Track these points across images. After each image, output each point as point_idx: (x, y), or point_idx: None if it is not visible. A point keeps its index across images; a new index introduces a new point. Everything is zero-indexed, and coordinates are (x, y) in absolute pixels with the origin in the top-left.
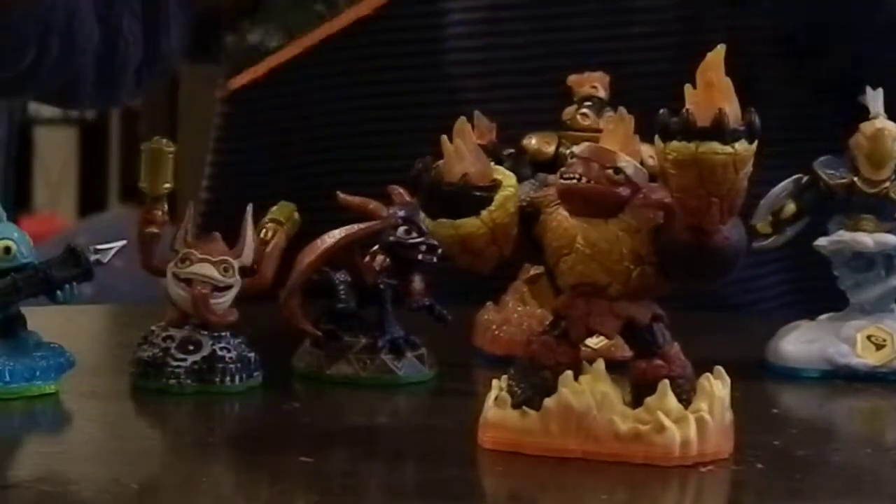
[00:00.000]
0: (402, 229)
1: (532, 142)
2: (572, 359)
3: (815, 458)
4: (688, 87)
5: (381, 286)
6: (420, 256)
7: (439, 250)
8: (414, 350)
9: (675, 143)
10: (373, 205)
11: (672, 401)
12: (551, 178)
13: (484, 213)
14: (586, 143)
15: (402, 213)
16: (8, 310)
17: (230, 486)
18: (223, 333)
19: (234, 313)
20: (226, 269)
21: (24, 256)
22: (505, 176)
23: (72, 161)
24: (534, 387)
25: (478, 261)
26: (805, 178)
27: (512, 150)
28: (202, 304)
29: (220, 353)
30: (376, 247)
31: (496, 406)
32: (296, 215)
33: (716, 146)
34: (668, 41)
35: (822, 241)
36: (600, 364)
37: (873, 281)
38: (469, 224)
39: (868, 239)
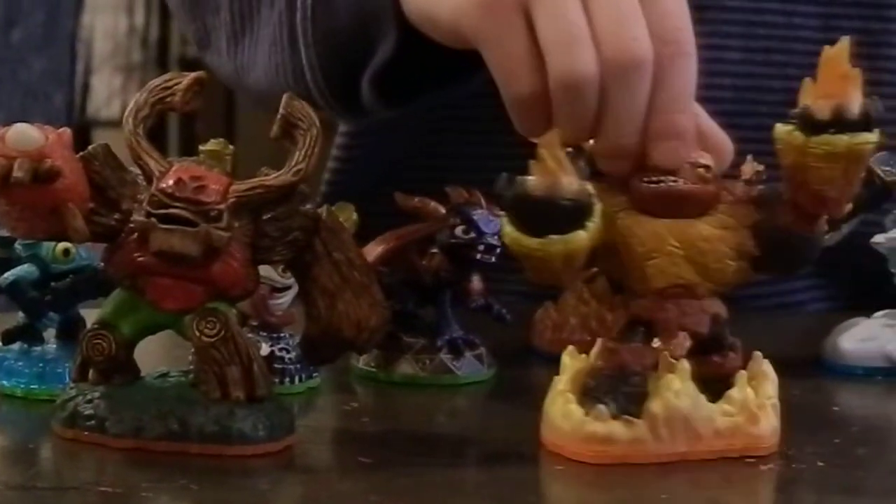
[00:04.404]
0: (460, 229)
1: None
2: (657, 362)
3: (874, 455)
4: (809, 81)
5: (440, 286)
6: (478, 256)
7: (497, 250)
8: (473, 350)
9: (826, 137)
10: (431, 205)
11: (751, 392)
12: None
13: (590, 224)
14: None
15: (460, 213)
16: (67, 312)
17: (290, 486)
18: (282, 334)
19: (294, 315)
20: (284, 270)
21: (83, 258)
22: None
23: (130, 163)
24: (626, 395)
25: (568, 275)
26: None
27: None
28: (261, 305)
29: (279, 353)
30: (435, 247)
31: (596, 419)
32: (354, 216)
33: (868, 136)
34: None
35: (879, 239)
36: (685, 364)
37: None
38: (578, 238)
39: None
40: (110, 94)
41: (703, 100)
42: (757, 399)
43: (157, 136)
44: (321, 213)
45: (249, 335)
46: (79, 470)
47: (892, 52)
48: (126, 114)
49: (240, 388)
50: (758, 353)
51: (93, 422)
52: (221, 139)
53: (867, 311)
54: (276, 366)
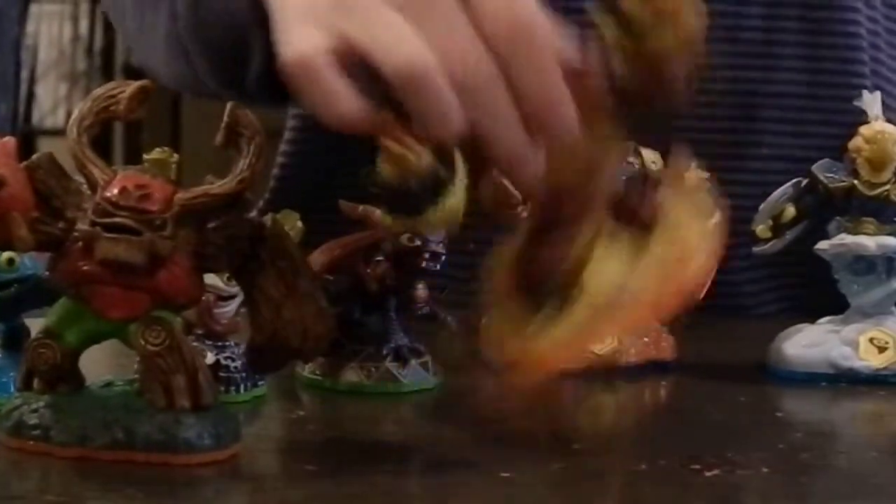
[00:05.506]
0: (405, 236)
1: None
2: None
3: (819, 461)
4: None
5: (385, 294)
6: (423, 263)
7: (443, 257)
8: (418, 357)
9: None
10: (377, 213)
11: None
12: None
13: (452, 187)
14: None
15: None
16: (12, 321)
17: (236, 494)
18: (227, 343)
19: (239, 323)
20: (229, 278)
21: (28, 268)
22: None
23: (74, 171)
24: None
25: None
26: (804, 182)
27: None
28: (206, 313)
29: (224, 362)
30: (380, 255)
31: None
32: (299, 224)
33: None
34: None
35: (822, 245)
36: None
37: (874, 284)
38: (450, 203)
39: (870, 242)
40: (55, 102)
41: None
42: None
43: (102, 144)
44: (266, 222)
45: (195, 343)
46: (24, 479)
47: (835, 41)
48: (70, 122)
49: (185, 396)
50: None
51: (38, 431)
52: (166, 148)
53: (811, 318)
54: (221, 374)
